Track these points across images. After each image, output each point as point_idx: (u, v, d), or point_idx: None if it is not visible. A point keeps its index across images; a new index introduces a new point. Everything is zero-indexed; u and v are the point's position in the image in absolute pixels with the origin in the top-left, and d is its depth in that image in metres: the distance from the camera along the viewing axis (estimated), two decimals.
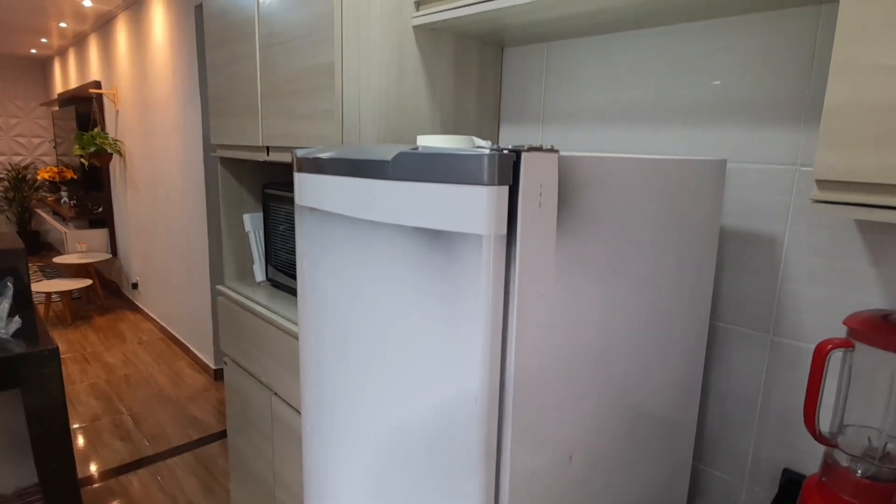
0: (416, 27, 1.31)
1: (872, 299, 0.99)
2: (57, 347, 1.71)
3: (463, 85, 1.46)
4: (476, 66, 1.48)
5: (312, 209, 0.89)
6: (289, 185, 1.63)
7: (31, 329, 1.86)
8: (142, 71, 3.91)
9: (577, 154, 0.71)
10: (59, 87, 6.55)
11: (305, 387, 1.05)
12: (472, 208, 0.64)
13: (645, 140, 1.27)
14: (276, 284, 1.78)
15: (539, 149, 0.66)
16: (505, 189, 0.64)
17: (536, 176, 0.66)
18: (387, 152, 0.72)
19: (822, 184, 0.77)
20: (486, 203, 0.63)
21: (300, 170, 0.92)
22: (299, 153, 0.92)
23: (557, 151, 0.68)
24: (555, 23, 1.25)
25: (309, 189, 0.89)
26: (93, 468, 2.51)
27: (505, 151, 0.63)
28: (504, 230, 0.65)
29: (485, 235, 0.64)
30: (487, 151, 0.63)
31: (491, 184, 0.63)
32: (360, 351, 0.85)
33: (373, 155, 0.74)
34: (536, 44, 1.46)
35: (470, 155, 0.63)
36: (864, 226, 0.99)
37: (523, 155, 0.64)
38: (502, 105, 1.57)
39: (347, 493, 0.97)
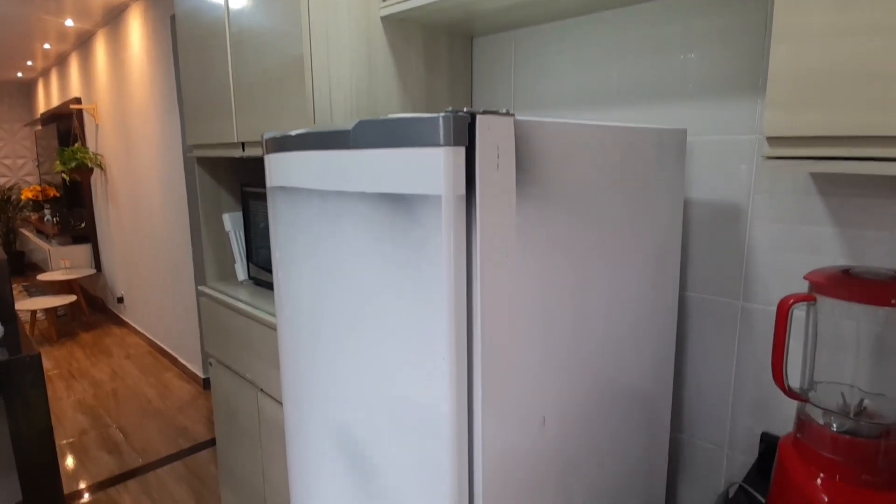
0: (384, 18, 1.34)
1: (836, 260, 1.02)
2: (39, 354, 1.70)
3: (433, 75, 1.48)
4: (446, 56, 1.51)
5: (282, 188, 0.91)
6: None
7: (14, 339, 1.85)
8: (120, 84, 3.91)
9: (534, 119, 0.73)
10: (42, 108, 6.54)
11: (284, 370, 1.06)
12: (430, 170, 0.66)
13: (613, 120, 1.30)
14: (258, 282, 1.78)
15: (495, 112, 0.68)
16: (461, 150, 0.65)
17: (493, 138, 0.68)
18: (348, 124, 0.74)
19: (773, 140, 0.79)
20: (444, 163, 0.64)
21: (269, 151, 0.93)
22: (267, 135, 0.94)
23: (513, 115, 0.70)
24: (521, 8, 1.27)
25: (278, 168, 0.91)
26: (82, 483, 2.48)
27: (460, 113, 0.65)
28: (463, 191, 0.67)
29: (444, 196, 0.65)
30: (443, 114, 0.64)
31: (447, 144, 0.64)
32: (334, 325, 0.86)
33: (335, 127, 0.76)
34: (505, 32, 1.49)
35: (426, 118, 0.65)
36: (823, 189, 1.02)
37: (478, 117, 0.66)
38: (474, 94, 1.59)
39: (329, 476, 0.97)
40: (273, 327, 1.44)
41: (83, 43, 4.58)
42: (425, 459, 0.76)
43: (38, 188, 6.09)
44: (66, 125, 5.23)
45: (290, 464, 1.13)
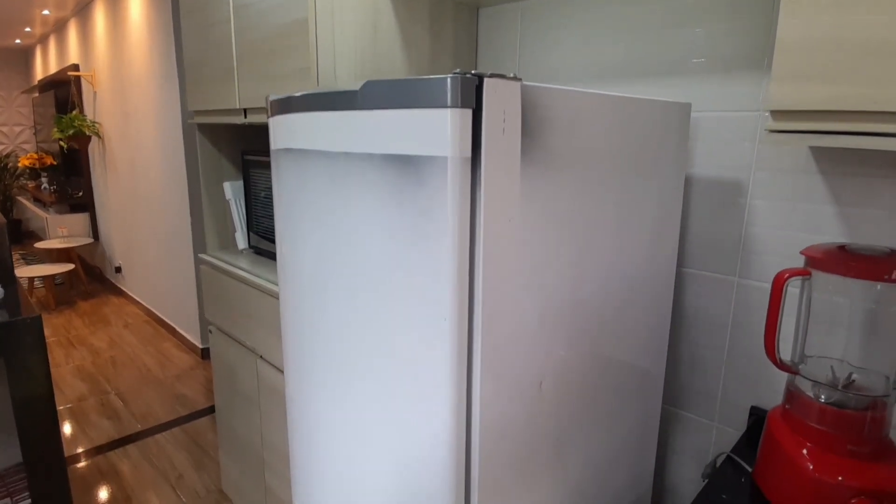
0: None
1: (833, 238, 1.03)
2: (40, 316, 1.72)
3: (438, 45, 1.47)
4: (451, 27, 1.50)
5: (287, 150, 0.91)
6: (269, 151, 1.64)
7: (13, 301, 1.86)
8: (119, 51, 3.87)
9: (541, 85, 0.74)
10: (39, 74, 6.47)
11: (286, 331, 1.08)
12: (436, 131, 0.66)
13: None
14: (258, 251, 1.79)
15: (502, 76, 0.69)
16: (468, 112, 0.66)
17: (500, 102, 0.68)
18: (356, 84, 0.74)
19: (776, 114, 0.80)
20: (450, 124, 0.65)
21: (274, 113, 0.93)
22: (272, 97, 0.94)
23: (520, 80, 0.71)
24: None
25: (282, 130, 0.91)
26: (80, 447, 2.52)
27: (468, 75, 0.65)
28: (468, 153, 0.67)
29: (450, 157, 0.66)
30: (451, 75, 0.65)
31: (454, 106, 0.65)
32: (337, 285, 0.88)
33: (342, 88, 0.76)
34: (511, 2, 1.48)
35: (435, 78, 0.66)
36: (824, 168, 1.03)
37: (486, 80, 0.66)
38: (479, 66, 1.59)
39: (329, 437, 0.99)
40: (274, 295, 1.45)
41: (82, 9, 4.51)
42: (424, 421, 0.78)
43: (36, 156, 6.05)
44: (63, 92, 5.18)
45: (290, 430, 1.16)
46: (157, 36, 3.27)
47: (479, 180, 0.68)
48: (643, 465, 1.20)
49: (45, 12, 4.72)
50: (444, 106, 0.65)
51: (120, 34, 3.80)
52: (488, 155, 0.68)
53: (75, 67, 4.77)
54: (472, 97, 0.66)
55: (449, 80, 0.64)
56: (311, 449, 1.06)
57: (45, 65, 6.18)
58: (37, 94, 6.50)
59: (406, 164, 0.70)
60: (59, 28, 5.34)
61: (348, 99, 0.75)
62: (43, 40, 6.14)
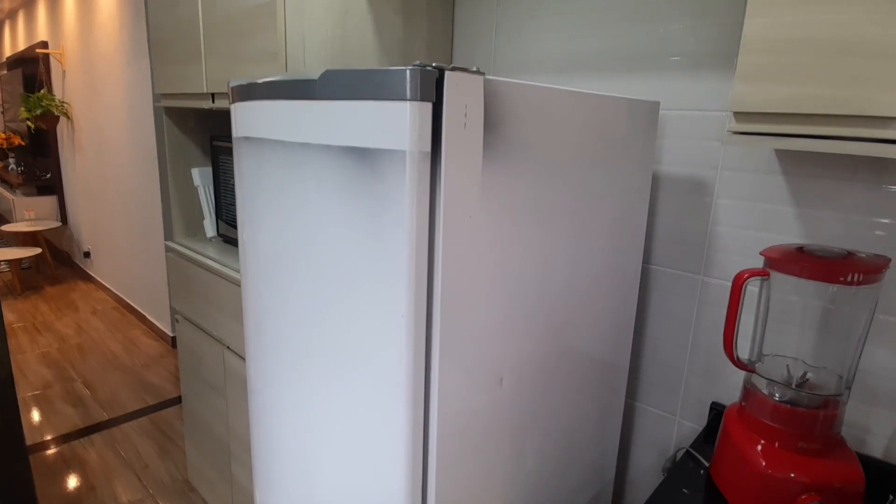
0: None
1: (794, 238, 1.05)
2: None
3: (411, 32, 1.45)
4: (426, 14, 1.48)
5: (248, 138, 0.89)
6: None
7: None
8: (89, 28, 3.75)
9: (504, 79, 0.73)
10: (8, 52, 6.24)
11: (248, 325, 1.06)
12: (395, 124, 0.65)
13: (592, 90, 1.29)
14: (227, 240, 1.76)
15: (465, 69, 0.67)
16: (428, 106, 0.65)
17: (461, 96, 0.67)
18: (315, 73, 0.72)
19: (739, 116, 0.80)
20: (409, 118, 0.64)
21: (235, 100, 0.91)
22: (233, 83, 0.91)
23: (483, 74, 0.70)
24: None
25: (243, 118, 0.89)
26: (46, 436, 2.46)
27: (428, 68, 0.64)
28: (428, 147, 0.66)
29: (408, 151, 0.65)
30: (410, 67, 0.63)
31: (414, 99, 0.63)
32: (295, 279, 0.86)
33: (301, 76, 0.74)
34: None
35: (393, 70, 0.64)
36: (787, 169, 1.04)
37: (447, 73, 0.65)
38: (454, 56, 1.57)
39: (289, 427, 0.98)
40: (240, 285, 1.42)
41: None
42: (382, 415, 0.77)
43: (3, 136, 5.85)
44: (31, 70, 5.01)
45: (251, 420, 1.14)
46: (127, 11, 3.17)
47: (439, 176, 0.67)
48: (606, 457, 1.21)
49: None
50: (404, 98, 0.64)
51: (90, 10, 3.68)
52: (449, 150, 0.67)
53: (44, 45, 4.61)
54: (432, 90, 0.64)
55: (408, 72, 0.63)
56: (270, 439, 1.05)
57: (13, 41, 5.97)
58: (5, 72, 6.27)
59: (364, 157, 0.69)
60: (28, 3, 5.16)
61: (307, 88, 0.73)
62: (12, 15, 5.92)
